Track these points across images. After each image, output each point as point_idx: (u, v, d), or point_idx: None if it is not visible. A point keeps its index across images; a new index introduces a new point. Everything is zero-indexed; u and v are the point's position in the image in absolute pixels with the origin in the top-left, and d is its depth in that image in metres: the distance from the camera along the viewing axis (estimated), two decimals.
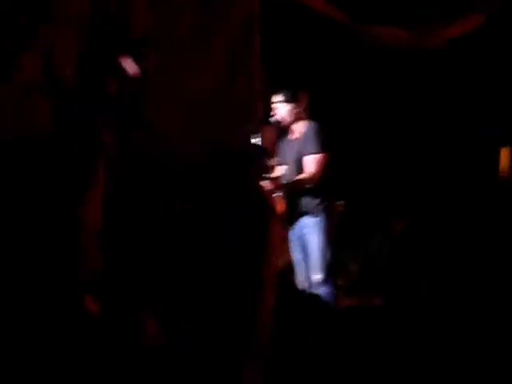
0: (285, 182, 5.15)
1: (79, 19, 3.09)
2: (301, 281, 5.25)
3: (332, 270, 5.14)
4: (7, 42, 3.02)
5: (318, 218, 5.14)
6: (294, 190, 5.15)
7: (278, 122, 5.29)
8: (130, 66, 3.06)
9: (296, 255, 5.30)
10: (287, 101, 5.25)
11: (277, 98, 5.28)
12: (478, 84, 6.15)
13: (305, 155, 5.17)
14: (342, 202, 5.67)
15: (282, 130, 5.40)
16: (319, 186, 5.15)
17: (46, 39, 3.04)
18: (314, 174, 5.13)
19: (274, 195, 5.13)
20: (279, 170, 5.29)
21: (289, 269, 5.36)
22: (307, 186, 5.14)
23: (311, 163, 5.14)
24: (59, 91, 2.91)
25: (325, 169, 5.14)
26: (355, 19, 5.85)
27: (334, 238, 5.18)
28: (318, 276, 5.09)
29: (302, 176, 5.16)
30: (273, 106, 5.30)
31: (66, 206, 2.57)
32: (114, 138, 2.75)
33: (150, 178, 2.74)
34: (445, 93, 6.26)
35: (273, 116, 5.28)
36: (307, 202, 5.16)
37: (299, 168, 5.21)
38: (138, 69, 3.09)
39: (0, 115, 2.88)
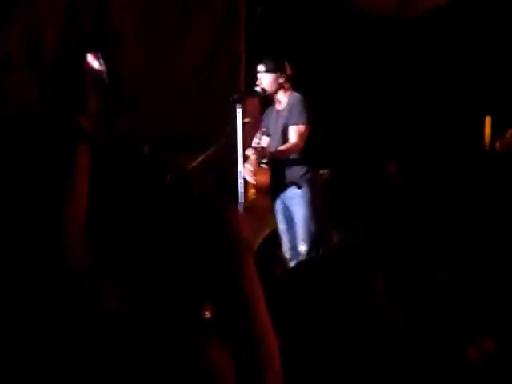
0: (269, 152, 5.13)
1: None
2: (285, 251, 5.26)
3: (316, 241, 5.15)
4: None
5: (302, 189, 5.13)
6: (278, 160, 5.14)
7: (261, 92, 5.24)
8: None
9: (281, 226, 5.30)
10: (269, 70, 5.19)
11: (260, 68, 5.23)
12: (462, 55, 6.11)
13: (289, 125, 5.15)
14: (326, 171, 5.65)
15: (267, 100, 5.36)
16: (304, 157, 5.14)
17: (28, 15, 2.98)
18: (296, 145, 5.10)
19: (259, 166, 5.13)
20: (264, 141, 5.26)
21: (273, 239, 5.38)
22: (291, 157, 5.12)
23: (293, 134, 5.12)
24: (41, 69, 2.86)
25: (308, 139, 5.12)
26: None
27: (318, 208, 5.18)
28: (302, 247, 5.10)
29: (284, 146, 5.14)
30: (257, 75, 5.25)
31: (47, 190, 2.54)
32: (95, 123, 2.69)
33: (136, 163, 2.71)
34: (429, 64, 6.22)
35: (257, 86, 5.23)
36: (292, 172, 5.15)
37: (285, 138, 5.18)
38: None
39: None
